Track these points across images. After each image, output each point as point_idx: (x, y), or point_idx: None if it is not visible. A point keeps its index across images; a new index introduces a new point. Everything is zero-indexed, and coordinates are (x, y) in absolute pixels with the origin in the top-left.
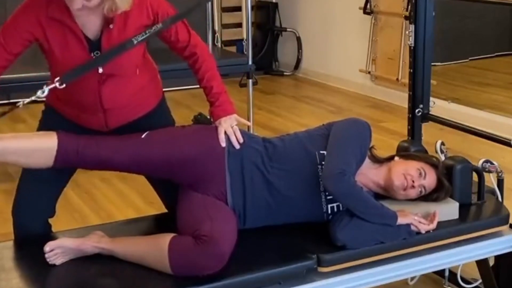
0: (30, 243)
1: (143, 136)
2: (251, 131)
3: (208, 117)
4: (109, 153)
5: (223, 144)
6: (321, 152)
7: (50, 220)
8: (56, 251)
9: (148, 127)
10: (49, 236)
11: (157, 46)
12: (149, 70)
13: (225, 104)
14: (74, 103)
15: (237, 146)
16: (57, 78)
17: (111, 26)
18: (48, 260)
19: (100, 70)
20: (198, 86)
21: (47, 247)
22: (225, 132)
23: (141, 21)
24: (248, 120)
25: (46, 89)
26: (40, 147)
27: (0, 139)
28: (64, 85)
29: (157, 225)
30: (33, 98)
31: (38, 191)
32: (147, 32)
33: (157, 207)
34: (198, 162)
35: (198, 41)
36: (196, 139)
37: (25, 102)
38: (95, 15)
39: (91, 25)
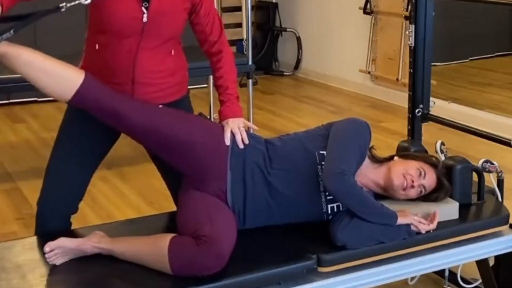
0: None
1: (160, 106)
2: (252, 132)
3: (208, 117)
4: (124, 108)
5: (228, 143)
6: (321, 152)
7: None
8: (56, 251)
9: None
10: (51, 236)
11: None
12: (181, 60)
13: (235, 106)
14: (106, 70)
15: (241, 146)
16: None
17: None
18: (48, 260)
19: (145, 19)
20: (198, 86)
21: (47, 247)
22: (231, 132)
23: None
24: (248, 120)
25: None
26: (66, 75)
27: (33, 51)
28: None
29: (157, 225)
30: (76, 2)
31: (64, 187)
32: None
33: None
34: (201, 152)
35: (227, 43)
36: (205, 129)
37: (67, 5)
38: None
39: None
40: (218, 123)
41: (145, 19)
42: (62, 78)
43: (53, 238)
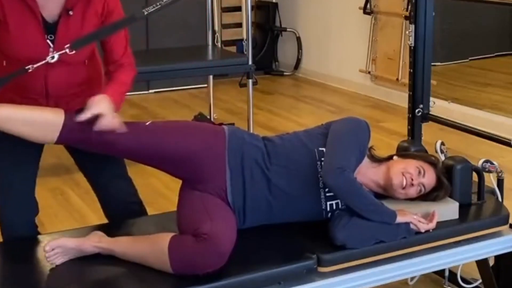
0: (29, 242)
1: (147, 123)
2: (251, 131)
3: (208, 117)
4: (111, 136)
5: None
6: (320, 149)
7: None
8: (56, 251)
9: None
10: (50, 235)
11: (155, 47)
12: (95, 66)
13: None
14: (17, 86)
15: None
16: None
17: (70, 12)
18: (48, 259)
19: (51, 54)
20: (198, 86)
21: (47, 247)
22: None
23: (96, 14)
24: (248, 120)
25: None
26: (46, 120)
27: (9, 106)
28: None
29: (157, 225)
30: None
31: (23, 189)
32: (159, 4)
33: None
34: (198, 157)
35: (128, 64)
36: (197, 134)
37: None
38: None
39: (50, 8)
40: (216, 124)
41: (51, 54)
42: (43, 124)
43: (54, 237)
